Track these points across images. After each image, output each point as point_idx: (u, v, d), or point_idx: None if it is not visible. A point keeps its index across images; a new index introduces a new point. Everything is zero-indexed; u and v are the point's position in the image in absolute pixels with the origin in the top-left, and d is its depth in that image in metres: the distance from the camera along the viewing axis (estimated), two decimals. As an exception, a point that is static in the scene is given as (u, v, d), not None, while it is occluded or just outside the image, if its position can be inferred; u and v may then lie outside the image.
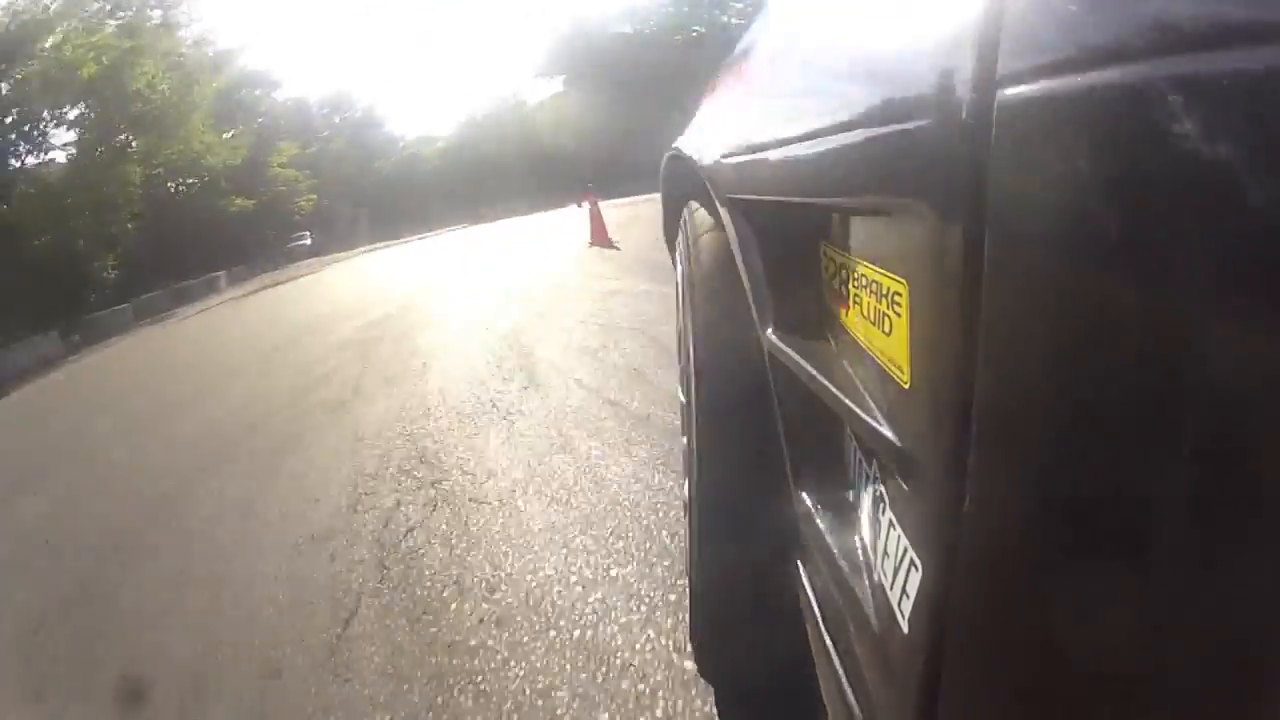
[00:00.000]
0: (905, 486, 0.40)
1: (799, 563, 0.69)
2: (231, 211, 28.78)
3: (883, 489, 0.45)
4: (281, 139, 34.10)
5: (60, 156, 25.17)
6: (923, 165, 0.31)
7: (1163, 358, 0.20)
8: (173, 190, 27.48)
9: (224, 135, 30.15)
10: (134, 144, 25.52)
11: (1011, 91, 0.24)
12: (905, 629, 0.38)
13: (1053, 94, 0.23)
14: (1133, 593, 0.22)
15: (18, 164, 23.84)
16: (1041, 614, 0.27)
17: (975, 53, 0.27)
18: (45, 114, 23.72)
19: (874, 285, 0.42)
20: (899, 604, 0.39)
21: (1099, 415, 0.22)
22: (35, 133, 24.02)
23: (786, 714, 0.85)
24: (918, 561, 0.37)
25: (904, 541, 0.40)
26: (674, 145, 1.12)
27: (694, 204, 1.02)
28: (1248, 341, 0.18)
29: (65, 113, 24.19)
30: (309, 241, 32.41)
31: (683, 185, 1.06)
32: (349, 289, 11.74)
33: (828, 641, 0.56)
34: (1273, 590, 0.18)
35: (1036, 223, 0.24)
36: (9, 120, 22.92)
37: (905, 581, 0.39)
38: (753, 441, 0.79)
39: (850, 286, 0.48)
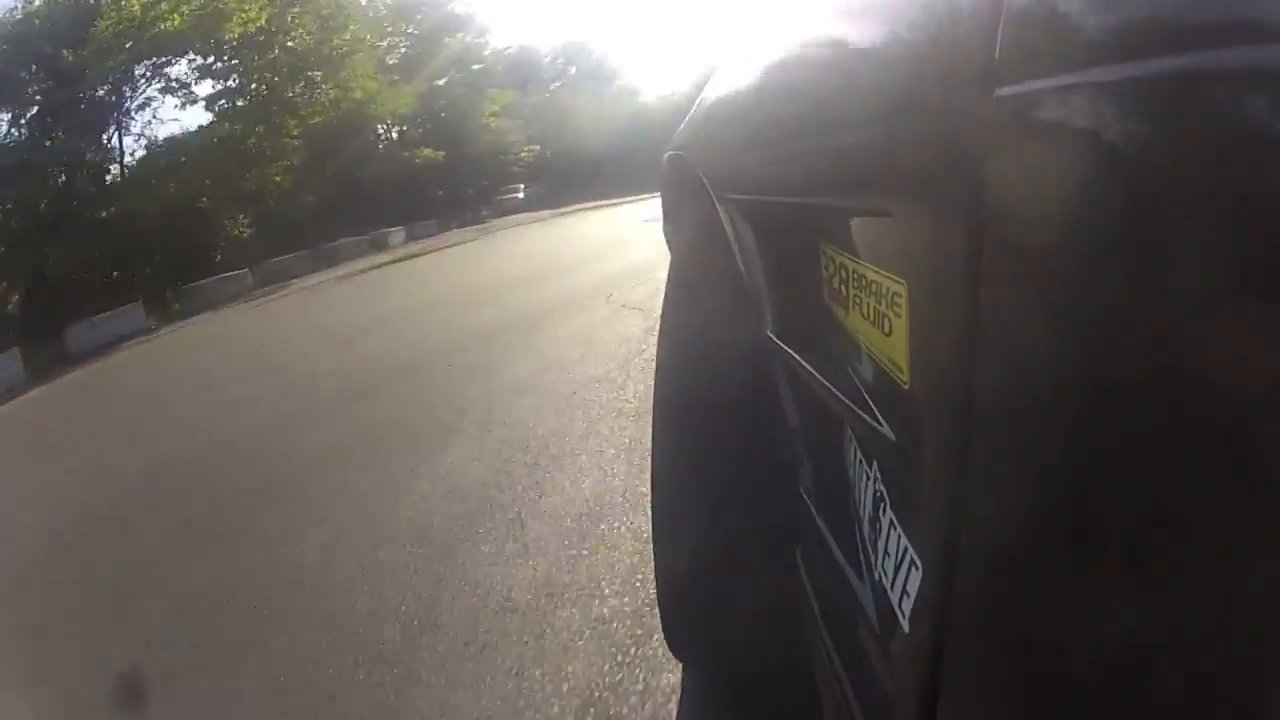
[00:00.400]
0: (905, 486, 0.40)
1: (800, 561, 0.69)
2: (417, 163, 25.33)
3: (883, 489, 0.45)
4: (497, 87, 30.23)
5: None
6: (921, 165, 0.31)
7: (1162, 357, 0.20)
8: (335, 139, 23.79)
9: (438, 82, 26.92)
10: (294, 90, 23.11)
11: (1009, 91, 0.24)
12: (905, 628, 0.38)
13: (1051, 93, 0.23)
14: (1132, 593, 0.22)
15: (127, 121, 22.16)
16: (1041, 614, 0.27)
17: (973, 52, 0.27)
18: (138, 70, 22.05)
19: (873, 285, 0.42)
20: (899, 603, 0.39)
21: (1098, 415, 0.22)
22: (128, 91, 22.25)
23: (786, 713, 0.85)
24: (918, 561, 0.37)
25: (904, 541, 0.40)
26: (673, 145, 1.12)
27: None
28: (1248, 340, 0.17)
29: (165, 65, 22.20)
30: (522, 195, 28.91)
31: (682, 185, 1.06)
32: (521, 266, 9.39)
33: (827, 640, 0.56)
34: (1274, 591, 0.18)
35: (1035, 223, 0.24)
36: (91, 75, 21.17)
37: (905, 581, 0.39)
38: (701, 439, 0.81)
39: (850, 287, 0.48)
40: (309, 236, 20.84)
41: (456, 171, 26.52)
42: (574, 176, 29.35)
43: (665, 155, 1.19)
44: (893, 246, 0.39)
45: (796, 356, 0.57)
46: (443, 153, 25.93)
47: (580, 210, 20.15)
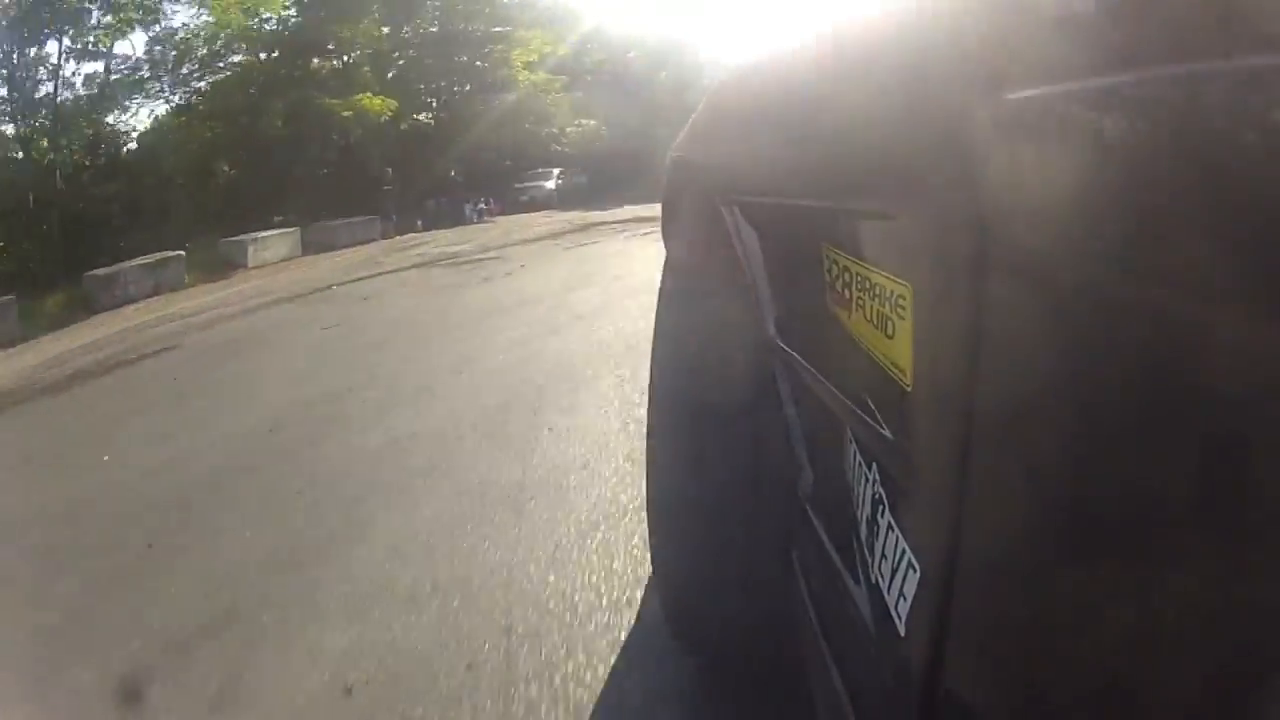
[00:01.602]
0: (905, 489, 0.40)
1: (796, 564, 0.69)
2: (349, 114, 14.78)
3: (882, 491, 0.45)
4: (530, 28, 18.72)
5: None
6: (927, 169, 0.32)
7: (1164, 360, 0.20)
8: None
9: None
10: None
11: (1013, 96, 0.24)
12: (902, 631, 0.38)
13: (1054, 99, 0.23)
14: (1131, 595, 0.22)
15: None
16: (1039, 617, 0.27)
17: (978, 57, 0.27)
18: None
19: (877, 288, 0.43)
20: (895, 606, 0.39)
21: (1099, 418, 0.23)
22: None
23: (783, 715, 0.85)
24: (915, 564, 0.37)
25: (902, 544, 0.40)
26: (676, 148, 1.13)
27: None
28: (1248, 342, 0.18)
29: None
30: (551, 185, 18.82)
31: (684, 187, 1.06)
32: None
33: (823, 643, 0.56)
34: (1275, 591, 0.18)
35: (1039, 227, 0.24)
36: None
37: (903, 584, 0.39)
38: (700, 441, 0.81)
39: (853, 289, 0.48)
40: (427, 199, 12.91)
41: (444, 141, 16.51)
42: (632, 169, 17.10)
43: (668, 157, 1.20)
44: (897, 249, 0.39)
45: (798, 358, 0.58)
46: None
47: (621, 226, 9.91)
